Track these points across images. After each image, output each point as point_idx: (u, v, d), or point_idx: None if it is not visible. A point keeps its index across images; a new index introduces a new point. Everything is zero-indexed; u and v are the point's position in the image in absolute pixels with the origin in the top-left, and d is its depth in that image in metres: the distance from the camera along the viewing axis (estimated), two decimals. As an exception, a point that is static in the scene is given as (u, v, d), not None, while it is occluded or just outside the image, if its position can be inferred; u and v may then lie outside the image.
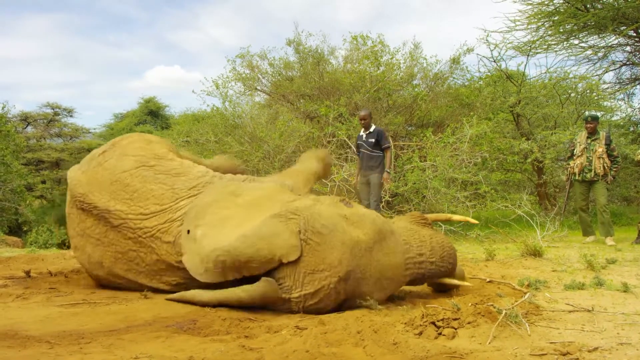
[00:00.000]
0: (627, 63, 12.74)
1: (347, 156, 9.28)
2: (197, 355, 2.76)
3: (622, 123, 13.12)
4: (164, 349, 2.89)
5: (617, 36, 11.67)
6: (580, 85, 11.87)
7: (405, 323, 3.21)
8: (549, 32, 12.02)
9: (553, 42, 12.15)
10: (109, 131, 30.35)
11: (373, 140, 7.30)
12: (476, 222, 4.94)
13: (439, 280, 4.17)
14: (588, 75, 12.28)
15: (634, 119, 13.33)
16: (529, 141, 10.06)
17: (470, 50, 11.17)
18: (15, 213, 14.62)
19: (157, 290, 4.38)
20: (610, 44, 12.24)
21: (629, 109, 13.29)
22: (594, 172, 7.20)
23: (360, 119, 7.50)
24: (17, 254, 7.46)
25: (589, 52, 12.41)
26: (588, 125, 7.35)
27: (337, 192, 8.50)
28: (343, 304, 3.78)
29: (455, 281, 4.18)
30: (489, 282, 4.46)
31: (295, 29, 12.24)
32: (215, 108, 11.94)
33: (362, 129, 7.53)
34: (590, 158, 7.24)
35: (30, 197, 17.08)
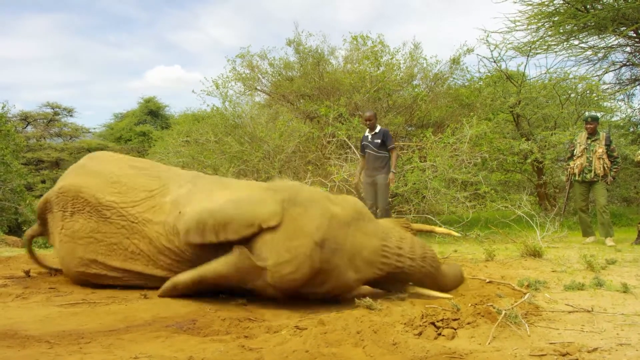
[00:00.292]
0: (627, 64, 12.74)
1: (347, 156, 9.28)
2: (196, 355, 2.76)
3: (622, 124, 13.11)
4: (163, 349, 2.89)
5: (617, 37, 11.67)
6: (580, 85, 11.87)
7: (405, 323, 3.21)
8: (549, 33, 12.02)
9: (553, 43, 12.15)
10: (109, 131, 30.37)
11: (379, 140, 7.31)
12: (458, 234, 5.00)
13: (419, 290, 4.08)
14: (588, 76, 12.28)
15: (634, 120, 13.33)
16: (529, 142, 10.05)
17: (470, 51, 11.17)
18: (15, 213, 14.62)
19: (153, 278, 4.39)
20: (610, 45, 12.24)
21: (629, 110, 13.29)
22: (594, 172, 7.20)
23: (366, 119, 7.51)
24: (17, 254, 7.45)
25: (589, 52, 12.42)
26: (588, 126, 7.35)
27: (336, 192, 8.50)
28: (318, 277, 3.77)
29: (435, 293, 4.02)
30: (489, 282, 4.47)
31: (296, 29, 12.24)
32: (215, 108, 11.92)
33: (367, 130, 7.53)
34: (591, 159, 7.24)
35: (30, 197, 17.05)
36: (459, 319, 3.21)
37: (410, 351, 2.76)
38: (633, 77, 12.92)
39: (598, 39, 12.14)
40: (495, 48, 11.62)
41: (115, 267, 4.53)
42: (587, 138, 7.35)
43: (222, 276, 3.91)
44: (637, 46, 12.28)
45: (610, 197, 11.48)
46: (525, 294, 3.84)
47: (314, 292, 3.91)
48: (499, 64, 11.74)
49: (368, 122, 7.47)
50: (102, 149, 22.73)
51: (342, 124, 9.50)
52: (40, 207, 5.17)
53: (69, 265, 4.79)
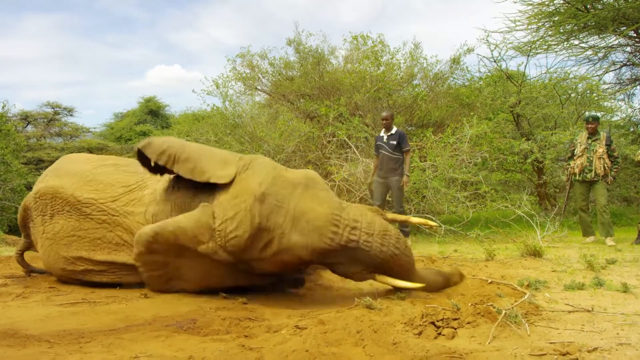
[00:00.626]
0: (628, 63, 12.74)
1: (347, 156, 9.28)
2: (197, 355, 2.76)
3: (622, 123, 13.11)
4: (163, 349, 2.89)
5: (618, 37, 11.66)
6: (580, 85, 11.87)
7: (405, 323, 3.21)
8: (549, 33, 12.01)
9: (553, 43, 12.15)
10: (110, 130, 30.36)
11: (395, 142, 7.29)
12: (435, 224, 4.82)
13: (384, 279, 3.86)
14: (588, 76, 12.27)
15: (634, 120, 13.32)
16: (529, 141, 10.06)
17: (470, 51, 11.17)
18: (16, 212, 14.61)
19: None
20: (610, 45, 12.24)
21: (629, 110, 13.29)
22: (595, 172, 7.20)
23: (382, 119, 7.50)
24: (17, 253, 7.45)
25: (589, 52, 12.40)
26: (589, 126, 7.35)
27: (336, 192, 8.50)
28: (260, 238, 3.74)
29: (402, 283, 3.82)
30: (489, 282, 4.46)
31: (296, 29, 12.24)
32: (215, 107, 11.95)
33: (383, 130, 7.52)
34: (591, 158, 7.24)
35: (30, 197, 17.06)
36: (459, 318, 3.21)
37: (410, 351, 2.76)
38: (633, 77, 12.92)
39: (598, 38, 12.13)
40: (495, 48, 11.63)
41: (100, 261, 4.60)
42: (588, 138, 7.35)
43: (180, 228, 3.93)
44: (638, 46, 12.28)
45: (611, 196, 11.47)
46: (525, 293, 3.84)
47: (260, 257, 3.83)
48: (499, 64, 11.75)
49: (384, 122, 7.45)
50: (102, 149, 22.80)
51: (342, 123, 9.50)
52: (20, 216, 5.23)
53: (55, 267, 4.84)
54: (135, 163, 5.07)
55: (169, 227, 3.98)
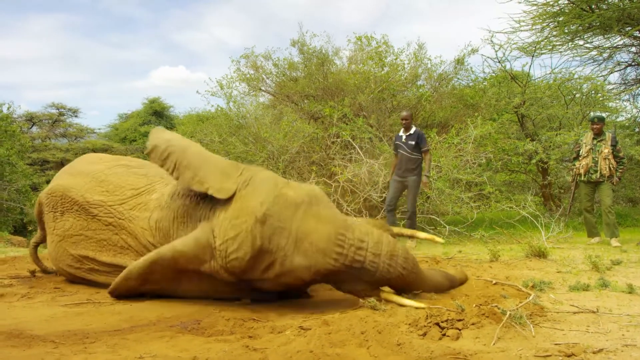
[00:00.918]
0: (633, 64, 12.68)
1: (351, 157, 9.27)
2: (201, 355, 2.76)
3: (627, 124, 13.05)
4: (168, 349, 2.90)
5: (623, 37, 11.61)
6: (585, 86, 11.82)
7: (409, 324, 3.21)
8: (554, 33, 11.98)
9: (558, 43, 12.11)
10: (114, 131, 30.48)
11: (413, 142, 7.30)
12: (441, 241, 4.70)
13: (388, 296, 3.75)
14: (593, 76, 12.22)
15: (639, 120, 13.27)
16: (534, 142, 10.03)
17: (474, 51, 11.16)
18: (21, 213, 14.69)
19: None
20: (615, 45, 12.19)
21: (634, 110, 13.24)
22: (600, 173, 7.17)
23: (402, 119, 7.50)
24: (23, 254, 7.49)
25: (594, 52, 12.36)
26: (594, 127, 7.32)
27: (340, 193, 8.50)
28: (262, 260, 3.67)
29: (406, 301, 3.66)
30: (494, 283, 4.45)
31: (300, 30, 12.28)
32: (219, 108, 11.96)
33: (402, 130, 7.54)
34: (596, 159, 7.21)
35: (35, 197, 17.12)
36: (464, 319, 3.20)
37: (414, 352, 2.75)
38: (638, 77, 12.86)
39: (603, 39, 12.09)
40: (499, 48, 11.60)
41: (105, 263, 4.64)
42: (593, 138, 7.33)
43: (180, 252, 3.89)
44: (643, 46, 12.23)
45: (616, 197, 11.43)
46: (530, 294, 3.83)
47: (262, 278, 3.77)
48: (503, 64, 11.72)
49: (404, 122, 7.46)
50: (106, 150, 22.87)
51: (347, 124, 9.50)
52: (36, 210, 5.34)
53: (62, 263, 4.89)
54: (147, 164, 5.11)
55: (166, 255, 3.94)
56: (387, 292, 3.80)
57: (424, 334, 3.05)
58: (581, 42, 12.18)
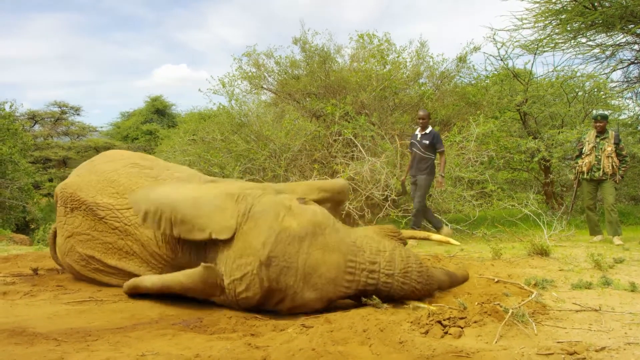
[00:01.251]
0: (635, 61, 12.65)
1: (353, 155, 9.27)
2: (203, 353, 2.76)
3: (629, 122, 13.02)
4: (170, 347, 2.90)
5: (625, 34, 11.58)
6: (587, 83, 11.78)
7: (412, 322, 3.20)
8: (556, 31, 11.95)
9: (560, 41, 12.08)
10: (116, 129, 30.51)
11: (427, 142, 7.36)
12: (457, 243, 4.70)
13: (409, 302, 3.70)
14: (596, 74, 12.19)
15: (642, 118, 13.23)
16: (536, 140, 10.01)
17: (477, 49, 11.12)
18: (23, 211, 14.72)
19: None
20: (618, 42, 12.16)
21: (637, 108, 13.20)
22: (603, 171, 7.16)
23: (419, 118, 7.56)
24: (25, 252, 7.51)
25: (596, 50, 12.33)
26: (597, 124, 7.30)
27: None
28: (272, 297, 3.64)
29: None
30: (496, 281, 4.45)
31: (302, 28, 12.21)
32: (221, 106, 11.94)
33: (419, 129, 7.59)
34: (599, 157, 7.20)
35: (37, 195, 17.20)
36: (466, 317, 3.20)
37: (416, 350, 2.75)
38: (641, 75, 12.83)
39: (606, 36, 12.06)
40: (502, 46, 11.56)
41: (111, 265, 4.63)
42: (596, 136, 7.31)
43: (187, 289, 3.87)
44: (646, 44, 12.20)
45: (618, 195, 11.41)
46: (532, 292, 3.83)
47: (275, 309, 3.75)
48: (505, 62, 11.70)
49: (421, 121, 7.52)
50: (109, 148, 22.86)
51: (349, 122, 9.49)
52: (54, 198, 5.30)
53: (69, 259, 4.90)
54: (158, 166, 5.07)
55: (174, 288, 3.92)
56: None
57: (426, 332, 3.05)
58: (584, 40, 12.16)
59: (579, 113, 10.86)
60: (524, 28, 12.06)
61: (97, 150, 23.35)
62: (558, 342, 2.83)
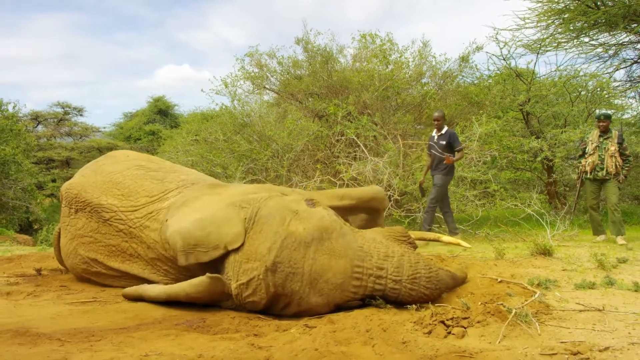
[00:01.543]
0: (638, 61, 12.62)
1: (355, 155, 9.26)
2: (206, 353, 2.76)
3: (633, 121, 12.99)
4: (173, 347, 2.90)
5: (628, 34, 11.54)
6: (590, 83, 11.76)
7: (415, 322, 3.20)
8: (559, 30, 11.92)
9: (563, 40, 12.05)
10: (119, 130, 30.55)
11: (444, 142, 7.43)
12: (468, 245, 4.65)
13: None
14: (598, 73, 12.16)
15: (645, 117, 13.20)
16: (539, 139, 10.00)
17: (479, 49, 11.11)
18: (26, 211, 14.75)
19: (151, 282, 4.41)
20: (621, 42, 12.12)
21: (640, 107, 13.17)
22: (606, 170, 7.14)
23: (434, 119, 7.65)
24: (28, 252, 7.52)
25: (599, 49, 12.29)
26: (601, 124, 7.28)
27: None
28: (278, 301, 3.66)
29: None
30: (499, 281, 4.44)
31: (304, 28, 12.24)
32: (224, 107, 11.96)
33: (435, 130, 7.66)
34: (603, 156, 7.18)
35: (40, 196, 17.24)
36: (469, 317, 3.20)
37: (419, 350, 2.75)
38: (644, 74, 12.80)
39: (609, 36, 12.02)
40: (504, 46, 11.54)
41: (114, 268, 4.62)
42: (599, 136, 7.29)
43: (194, 299, 3.88)
44: (649, 43, 12.16)
45: (622, 195, 11.38)
46: (535, 292, 3.82)
47: (282, 313, 3.76)
48: (508, 62, 11.68)
49: (436, 123, 7.59)
50: (111, 149, 22.93)
51: (351, 122, 9.49)
52: (60, 198, 5.31)
53: (72, 261, 4.90)
54: (164, 168, 5.06)
55: (180, 297, 3.91)
56: None
57: (429, 332, 3.05)
58: (586, 39, 12.12)
59: (582, 112, 10.84)
60: (526, 27, 12.02)
61: (100, 150, 23.40)
62: (561, 342, 2.83)
